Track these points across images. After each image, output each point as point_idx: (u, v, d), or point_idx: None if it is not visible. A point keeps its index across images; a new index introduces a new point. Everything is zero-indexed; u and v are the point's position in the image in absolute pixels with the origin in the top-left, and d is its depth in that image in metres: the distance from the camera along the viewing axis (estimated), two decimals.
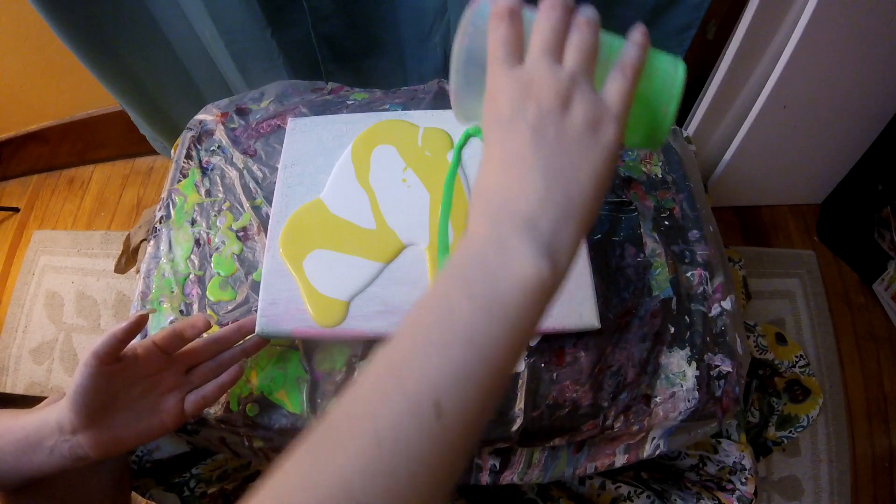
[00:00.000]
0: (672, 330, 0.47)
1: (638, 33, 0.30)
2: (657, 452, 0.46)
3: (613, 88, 0.28)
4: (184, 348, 0.40)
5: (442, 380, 0.22)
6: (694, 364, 0.46)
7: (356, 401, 0.23)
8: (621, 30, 0.32)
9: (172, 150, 0.62)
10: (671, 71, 0.32)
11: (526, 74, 0.28)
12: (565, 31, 0.29)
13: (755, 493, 0.52)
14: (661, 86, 0.32)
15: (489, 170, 0.28)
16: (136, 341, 0.37)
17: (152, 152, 1.18)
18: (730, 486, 0.53)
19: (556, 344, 0.46)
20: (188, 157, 0.58)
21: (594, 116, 0.27)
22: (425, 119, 0.55)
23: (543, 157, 0.26)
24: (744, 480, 0.53)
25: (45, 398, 0.41)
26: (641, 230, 0.51)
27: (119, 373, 0.36)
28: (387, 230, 0.48)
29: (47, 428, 0.34)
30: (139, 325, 0.36)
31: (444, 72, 0.81)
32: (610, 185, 0.28)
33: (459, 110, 0.34)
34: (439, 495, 0.23)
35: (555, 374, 0.45)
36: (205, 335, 0.42)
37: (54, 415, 0.35)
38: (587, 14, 0.29)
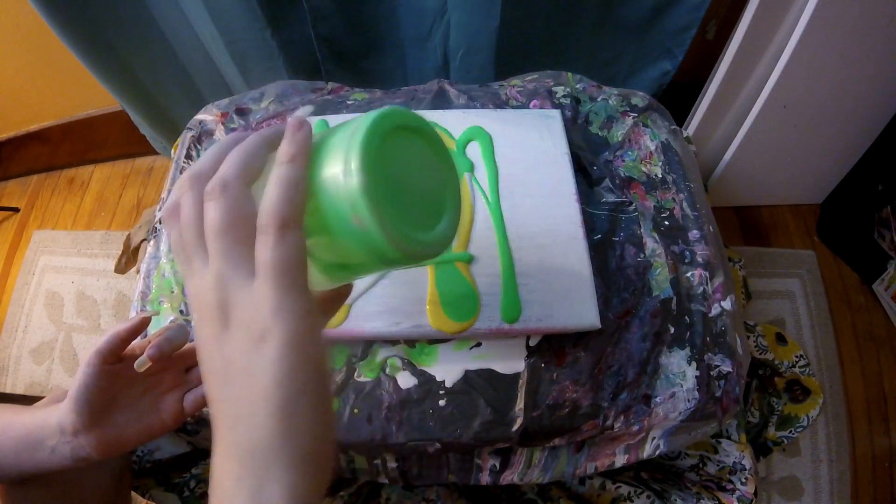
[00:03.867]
0: (672, 330, 0.47)
1: (282, 147, 0.23)
2: (657, 452, 0.46)
3: (261, 270, 0.22)
4: (182, 349, 0.40)
5: None
6: (694, 364, 0.46)
7: None
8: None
9: (172, 150, 0.62)
10: (343, 148, 0.23)
11: (193, 283, 0.24)
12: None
13: (755, 493, 0.52)
14: (334, 193, 0.23)
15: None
16: (136, 341, 0.37)
17: (152, 152, 1.18)
18: (730, 486, 0.53)
19: (556, 344, 0.46)
20: (188, 156, 0.58)
21: (252, 322, 0.22)
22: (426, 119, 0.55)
23: (221, 407, 0.23)
24: (744, 480, 0.53)
25: (44, 398, 0.41)
26: (641, 230, 0.51)
27: (120, 372, 0.36)
28: None
29: (48, 429, 0.34)
30: (142, 326, 0.36)
31: (444, 72, 0.81)
32: (323, 392, 0.23)
33: None
34: None
35: (555, 374, 0.45)
36: None
37: (55, 417, 0.34)
38: (219, 175, 0.23)
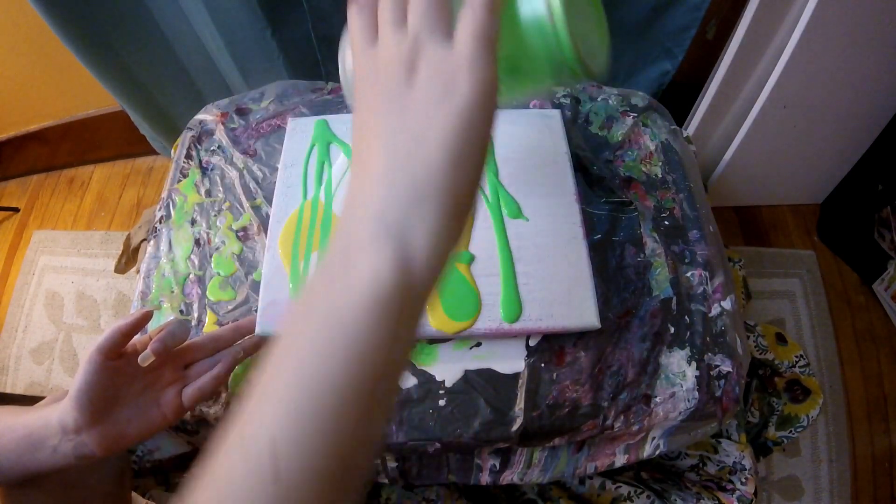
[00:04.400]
0: (672, 330, 0.47)
1: None
2: (657, 452, 0.46)
3: (463, 32, 0.23)
4: (182, 345, 0.40)
5: (277, 427, 0.20)
6: (694, 364, 0.46)
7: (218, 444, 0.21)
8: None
9: (172, 150, 0.62)
10: None
11: (375, 53, 0.25)
12: None
13: (755, 493, 0.52)
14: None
15: (351, 167, 0.25)
16: (136, 337, 0.38)
17: (152, 152, 1.18)
18: (730, 486, 0.53)
19: (556, 344, 0.46)
20: (188, 157, 0.58)
21: (442, 75, 0.23)
22: None
23: (386, 140, 0.23)
24: (744, 480, 0.53)
25: (44, 398, 0.41)
26: (641, 230, 0.51)
27: (121, 369, 0.36)
28: None
29: (49, 428, 0.34)
30: (143, 321, 0.36)
31: None
32: (483, 156, 0.24)
33: None
34: None
35: (555, 374, 0.45)
36: (203, 333, 0.42)
37: (56, 415, 0.34)
38: None
